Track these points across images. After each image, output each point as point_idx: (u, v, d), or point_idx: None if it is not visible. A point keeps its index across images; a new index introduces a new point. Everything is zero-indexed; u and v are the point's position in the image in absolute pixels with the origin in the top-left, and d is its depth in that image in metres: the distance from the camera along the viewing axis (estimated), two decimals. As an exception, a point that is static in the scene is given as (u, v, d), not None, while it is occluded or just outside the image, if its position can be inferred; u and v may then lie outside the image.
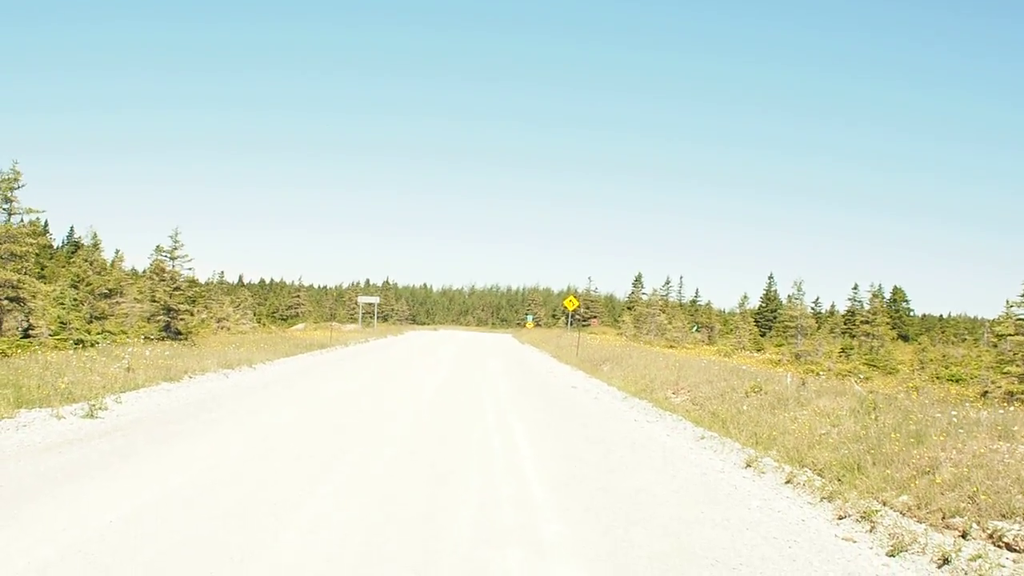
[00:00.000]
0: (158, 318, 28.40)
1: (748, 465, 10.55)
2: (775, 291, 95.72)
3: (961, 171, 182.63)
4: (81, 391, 13.03)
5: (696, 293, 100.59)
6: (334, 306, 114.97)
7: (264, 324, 57.55)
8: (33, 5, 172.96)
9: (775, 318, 75.62)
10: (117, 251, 49.25)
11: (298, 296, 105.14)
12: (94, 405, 11.85)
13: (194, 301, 33.85)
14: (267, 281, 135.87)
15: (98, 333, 24.47)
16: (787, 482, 9.53)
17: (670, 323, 55.15)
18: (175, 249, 28.90)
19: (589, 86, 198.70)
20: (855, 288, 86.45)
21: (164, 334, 28.08)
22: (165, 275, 28.65)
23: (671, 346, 45.10)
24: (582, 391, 21.16)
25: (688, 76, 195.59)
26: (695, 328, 68.98)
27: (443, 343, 51.03)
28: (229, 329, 40.83)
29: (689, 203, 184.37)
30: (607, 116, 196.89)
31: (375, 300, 63.93)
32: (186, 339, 28.38)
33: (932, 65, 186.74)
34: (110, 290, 30.84)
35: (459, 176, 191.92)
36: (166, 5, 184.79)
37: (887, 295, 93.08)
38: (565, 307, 55.09)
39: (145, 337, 27.68)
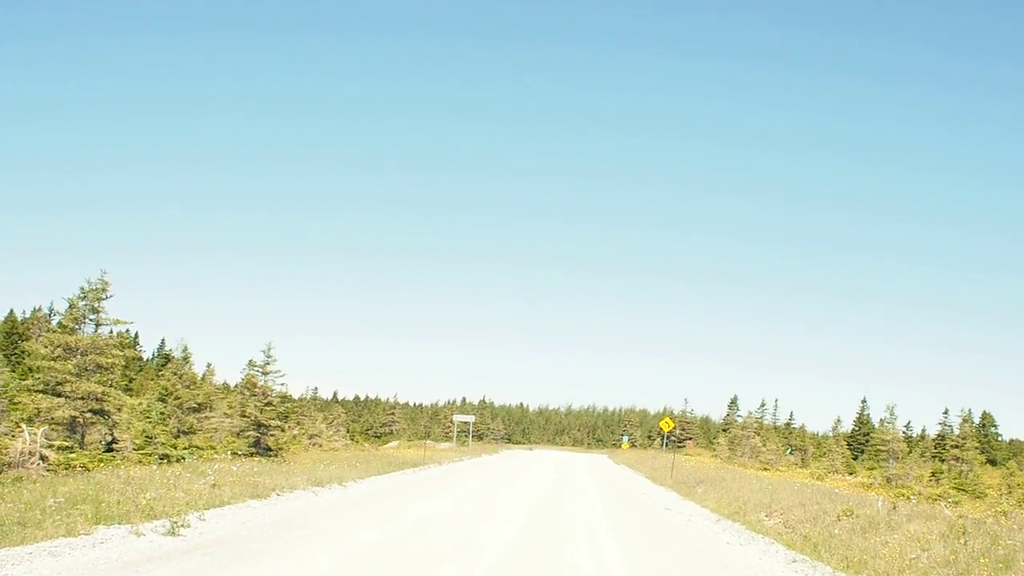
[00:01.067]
0: (248, 434, 29.16)
1: (838, 589, 10.65)
2: (868, 415, 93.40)
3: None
4: (163, 507, 12.97)
5: (791, 416, 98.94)
6: (429, 424, 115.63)
7: (357, 441, 58.43)
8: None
9: (867, 441, 73.91)
10: (208, 364, 51.28)
11: (392, 413, 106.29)
12: (176, 522, 11.72)
13: (286, 417, 34.60)
14: (361, 398, 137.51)
15: (184, 448, 24.94)
16: (876, 606, 9.63)
17: (764, 445, 54.26)
18: (267, 364, 29.77)
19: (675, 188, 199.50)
20: (946, 413, 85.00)
21: (254, 450, 28.74)
22: (257, 390, 29.44)
23: (765, 468, 44.40)
24: (675, 512, 21.14)
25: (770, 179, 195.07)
26: (789, 451, 67.60)
27: (538, 463, 51.04)
28: (321, 446, 41.74)
29: (787, 326, 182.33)
30: (699, 230, 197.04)
31: (470, 419, 64.58)
32: (276, 455, 29.02)
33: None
34: (199, 404, 31.78)
35: (557, 298, 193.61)
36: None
37: (976, 419, 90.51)
38: (660, 428, 54.71)
39: (234, 453, 28.32)
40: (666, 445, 63.17)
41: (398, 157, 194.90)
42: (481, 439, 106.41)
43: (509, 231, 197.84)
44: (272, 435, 30.04)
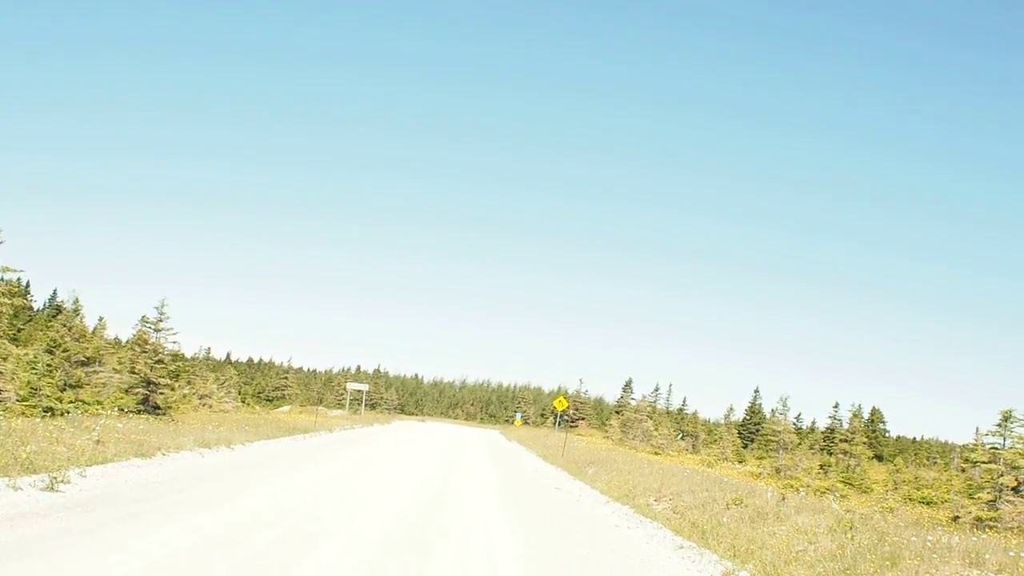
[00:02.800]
0: (136, 390, 28.18)
1: (723, 577, 10.65)
2: (760, 404, 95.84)
3: (941, 300, 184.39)
4: (44, 462, 12.51)
5: (684, 402, 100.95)
6: (322, 390, 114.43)
7: (248, 404, 57.27)
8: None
9: (758, 431, 75.74)
10: (100, 318, 49.28)
11: (286, 378, 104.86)
12: (55, 478, 11.32)
13: (176, 376, 33.64)
14: (255, 360, 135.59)
15: (71, 402, 24.14)
16: (761, 597, 9.63)
17: (656, 430, 55.10)
18: (160, 321, 28.78)
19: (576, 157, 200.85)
20: (836, 407, 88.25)
21: (142, 408, 27.88)
22: (148, 347, 28.48)
23: (656, 452, 45.10)
24: (565, 492, 21.14)
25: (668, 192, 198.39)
26: (680, 436, 68.84)
27: (430, 435, 50.75)
28: (211, 407, 40.62)
29: (682, 313, 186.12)
30: (602, 203, 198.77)
31: (364, 387, 63.89)
32: (165, 414, 28.16)
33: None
34: (88, 358, 30.64)
35: (455, 266, 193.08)
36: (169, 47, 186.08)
37: (866, 415, 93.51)
38: (554, 407, 55.06)
39: (121, 409, 27.50)
40: (559, 424, 63.64)
41: (292, 107, 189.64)
42: (374, 408, 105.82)
43: (413, 195, 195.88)
44: (161, 393, 29.06)
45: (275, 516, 11.46)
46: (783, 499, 15.61)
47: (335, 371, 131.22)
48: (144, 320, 29.56)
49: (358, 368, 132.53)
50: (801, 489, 21.45)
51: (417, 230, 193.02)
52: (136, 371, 28.50)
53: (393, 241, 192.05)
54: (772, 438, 41.08)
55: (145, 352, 28.89)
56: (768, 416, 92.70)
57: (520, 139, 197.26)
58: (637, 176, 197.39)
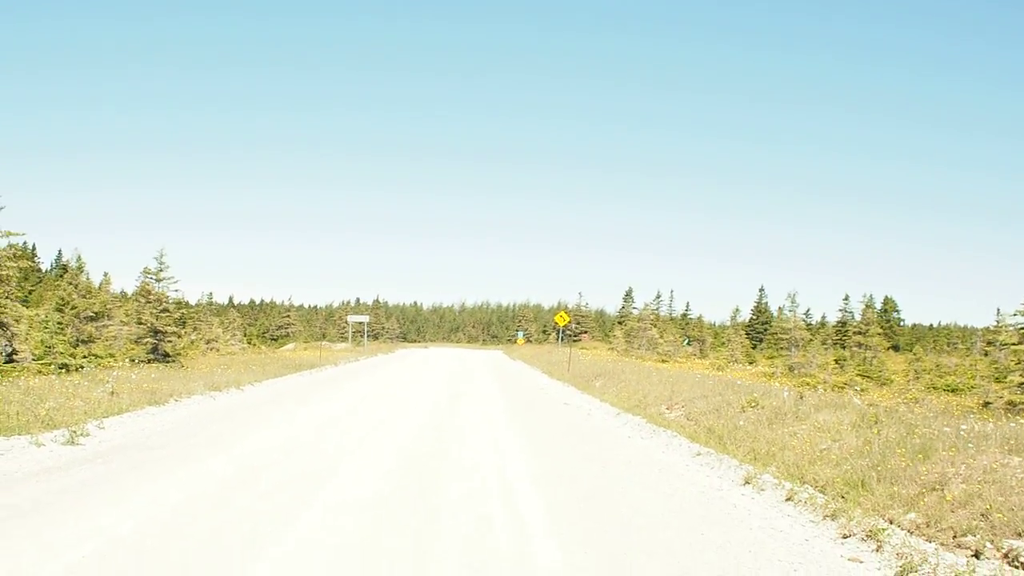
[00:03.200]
0: (145, 341, 28.01)
1: (747, 482, 10.24)
2: (766, 303, 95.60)
3: (951, 177, 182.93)
4: (63, 417, 12.60)
5: (687, 307, 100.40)
6: (324, 325, 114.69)
7: (254, 345, 57.16)
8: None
9: (766, 331, 75.52)
10: (105, 274, 48.99)
11: (288, 316, 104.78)
12: (75, 431, 11.46)
13: (182, 323, 33.48)
14: (257, 302, 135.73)
15: (83, 357, 24.11)
16: (788, 500, 9.21)
17: (661, 337, 54.90)
18: (161, 271, 28.51)
19: (568, 76, 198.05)
20: (846, 299, 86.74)
21: (152, 357, 27.70)
22: (151, 297, 28.26)
23: (663, 360, 44.89)
24: (574, 407, 20.84)
25: (676, 70, 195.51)
26: (687, 342, 68.71)
27: (434, 360, 50.60)
28: (218, 351, 40.43)
29: (679, 216, 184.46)
30: (596, 124, 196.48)
31: (365, 319, 63.54)
32: (174, 361, 28.01)
33: (929, 57, 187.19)
34: (96, 313, 30.40)
35: (448, 192, 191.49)
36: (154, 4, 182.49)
37: (878, 305, 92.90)
38: (556, 323, 54.81)
39: (132, 360, 27.30)
40: (561, 339, 63.50)
41: (282, 45, 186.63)
42: (376, 339, 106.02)
43: (400, 123, 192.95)
44: (169, 341, 28.92)
45: (286, 453, 11.43)
46: (801, 397, 15.22)
47: (336, 305, 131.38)
48: (146, 271, 29.17)
49: (358, 301, 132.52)
50: (818, 386, 21.11)
51: (408, 158, 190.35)
52: (143, 322, 28.43)
53: (384, 172, 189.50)
54: (783, 336, 40.79)
55: (149, 302, 28.68)
56: (775, 315, 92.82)
57: (510, 64, 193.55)
58: (629, 95, 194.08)
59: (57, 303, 29.88)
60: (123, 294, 50.10)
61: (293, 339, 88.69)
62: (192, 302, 64.18)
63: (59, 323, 26.90)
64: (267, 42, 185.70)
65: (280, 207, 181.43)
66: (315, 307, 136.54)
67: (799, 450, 11.16)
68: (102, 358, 26.10)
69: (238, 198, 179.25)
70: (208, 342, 42.29)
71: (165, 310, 28.07)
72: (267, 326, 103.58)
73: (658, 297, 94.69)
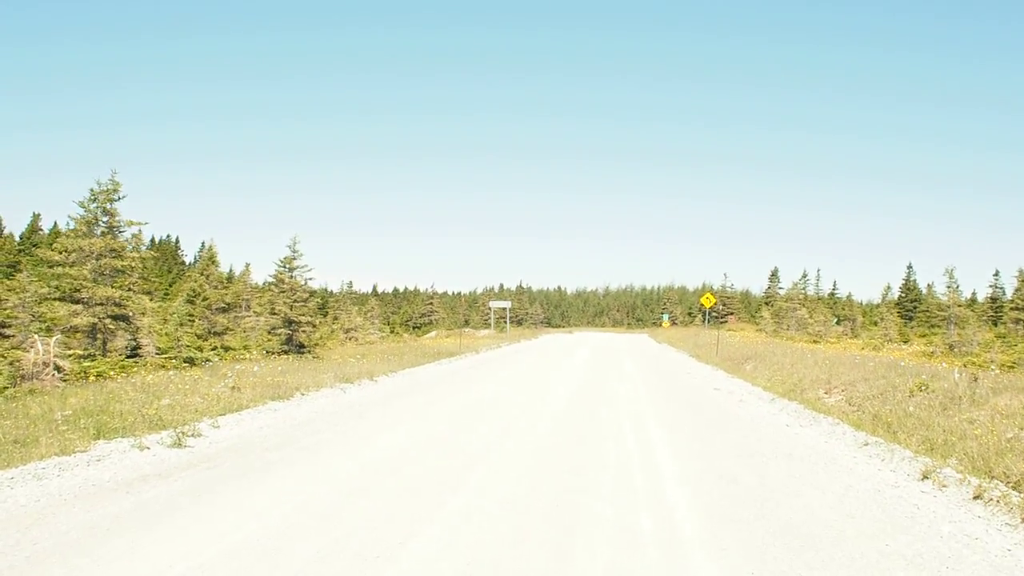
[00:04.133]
0: (279, 331, 28.30)
1: (925, 477, 9.27)
2: (915, 280, 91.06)
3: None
4: (174, 416, 12.06)
5: (834, 286, 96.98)
6: (467, 312, 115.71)
7: (396, 333, 58.00)
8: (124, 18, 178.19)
9: (916, 308, 72.11)
10: (246, 264, 50.53)
11: (431, 303, 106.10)
12: (183, 432, 10.86)
13: (323, 312, 33.84)
14: (400, 290, 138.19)
15: (212, 349, 24.34)
16: (976, 498, 8.21)
17: (811, 317, 52.74)
18: (294, 259, 28.65)
19: (713, 79, 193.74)
20: (996, 274, 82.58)
21: (286, 347, 28.10)
22: (284, 286, 28.54)
23: (815, 341, 43.01)
24: (725, 393, 19.98)
25: (817, 67, 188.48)
26: (836, 321, 66.00)
27: (577, 345, 50.06)
28: (357, 340, 41.03)
29: (822, 194, 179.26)
30: (736, 110, 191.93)
31: (507, 304, 63.49)
32: (309, 352, 28.33)
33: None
34: (228, 304, 30.97)
35: (590, 175, 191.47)
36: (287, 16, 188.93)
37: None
38: (702, 304, 53.60)
39: (267, 351, 27.80)
40: (708, 321, 62.14)
41: (422, 61, 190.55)
42: (520, 324, 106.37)
43: (539, 124, 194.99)
44: (303, 331, 29.14)
45: (415, 456, 10.57)
46: (975, 380, 14.00)
47: (479, 292, 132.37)
48: (282, 261, 29.59)
49: (501, 287, 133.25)
50: (987, 366, 19.60)
51: (549, 154, 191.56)
52: (276, 312, 28.61)
53: (526, 168, 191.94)
54: (939, 313, 38.37)
55: (283, 292, 28.97)
56: (925, 291, 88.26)
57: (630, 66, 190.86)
58: (765, 94, 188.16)
59: (188, 294, 30.51)
60: (262, 285, 51.50)
61: (436, 326, 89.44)
62: (333, 291, 65.21)
63: (189, 315, 27.35)
64: (400, 52, 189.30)
65: (423, 197, 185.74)
66: (459, 294, 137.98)
67: (982, 439, 10.11)
68: (235, 350, 26.54)
69: (381, 189, 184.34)
70: (347, 331, 42.89)
71: (299, 299, 28.44)
72: (410, 314, 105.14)
73: (804, 277, 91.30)
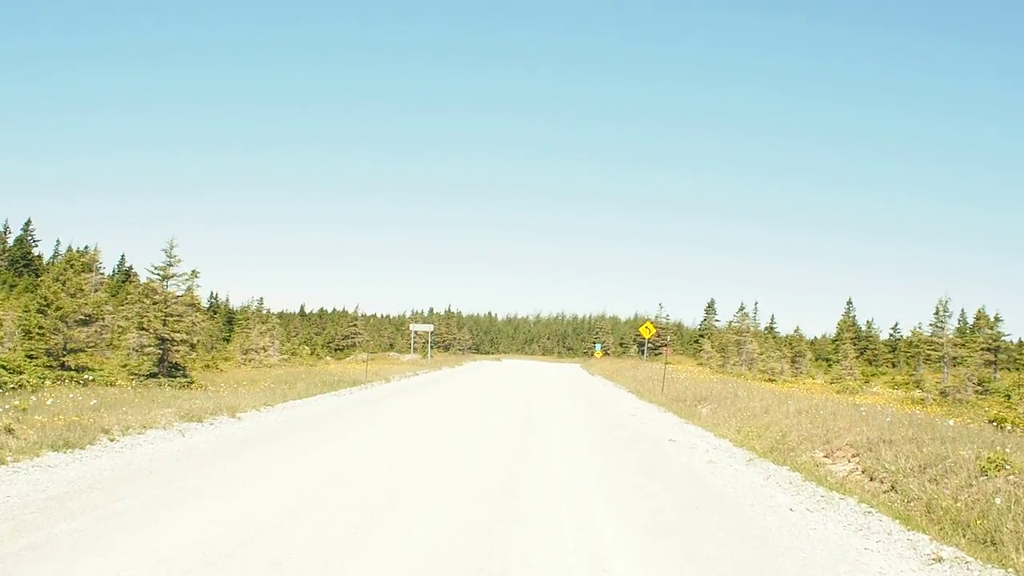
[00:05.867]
0: (149, 350, 23.23)
1: None
2: (853, 317, 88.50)
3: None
4: None
5: (772, 319, 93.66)
6: (393, 336, 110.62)
7: (316, 355, 52.90)
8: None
9: (857, 345, 69.93)
10: (128, 269, 44.78)
11: (355, 325, 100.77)
12: None
13: (229, 329, 28.65)
14: (328, 311, 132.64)
15: (52, 368, 19.38)
16: None
17: (762, 351, 48.59)
18: (169, 266, 23.47)
19: (648, 116, 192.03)
20: (940, 311, 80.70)
21: (157, 369, 22.94)
22: (157, 297, 23.33)
23: (770, 379, 38.61)
24: (686, 448, 15.32)
25: (751, 109, 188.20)
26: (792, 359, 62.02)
27: (504, 376, 45.06)
28: (256, 362, 35.82)
29: (757, 228, 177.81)
30: (671, 144, 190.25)
31: (429, 328, 58.37)
32: (183, 375, 23.19)
33: None
34: (88, 315, 25.62)
35: (523, 202, 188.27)
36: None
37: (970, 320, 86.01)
38: (639, 335, 49.56)
39: (132, 374, 22.76)
40: (644, 353, 57.86)
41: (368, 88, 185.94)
42: (447, 350, 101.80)
43: (473, 146, 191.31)
44: (178, 351, 23.89)
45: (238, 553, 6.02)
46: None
47: (407, 315, 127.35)
48: (155, 267, 24.16)
49: (431, 311, 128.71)
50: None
51: (481, 173, 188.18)
52: (146, 327, 23.43)
53: (458, 186, 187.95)
54: (931, 351, 33.97)
55: (155, 304, 23.68)
56: (864, 329, 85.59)
57: (586, 73, 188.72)
58: (704, 102, 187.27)
59: (39, 303, 25.13)
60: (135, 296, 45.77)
61: (360, 349, 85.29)
62: (236, 307, 60.11)
63: (40, 327, 22.11)
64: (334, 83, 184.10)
65: (356, 220, 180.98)
66: (387, 316, 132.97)
67: None
68: (94, 371, 21.50)
69: (311, 212, 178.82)
70: (246, 352, 37.77)
71: (173, 313, 23.15)
72: (333, 335, 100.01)
73: (742, 309, 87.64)
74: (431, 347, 68.06)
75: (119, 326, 31.78)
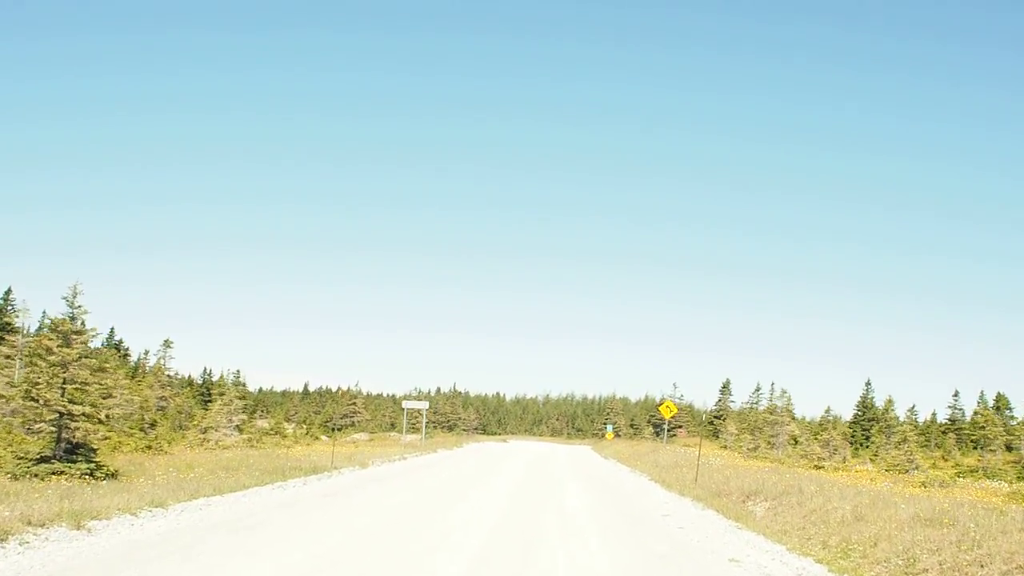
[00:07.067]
0: (39, 427, 18.07)
1: None
2: (872, 398, 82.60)
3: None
4: None
5: (788, 401, 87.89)
6: (394, 415, 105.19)
7: (311, 434, 47.68)
8: None
9: (871, 427, 66.85)
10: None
11: (353, 404, 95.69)
12: None
13: (206, 403, 23.33)
14: (333, 389, 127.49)
15: None
16: None
17: (801, 435, 42.75)
18: (72, 319, 18.38)
19: (648, 183, 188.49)
20: (956, 395, 79.07)
21: (52, 451, 17.68)
22: (53, 357, 18.17)
23: (816, 466, 32.75)
24: (755, 569, 10.09)
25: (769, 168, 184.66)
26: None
27: (507, 462, 38.45)
28: (211, 442, 30.52)
29: (766, 306, 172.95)
30: (678, 212, 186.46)
31: (423, 406, 52.54)
32: (84, 459, 17.85)
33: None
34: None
35: (530, 281, 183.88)
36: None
37: (990, 402, 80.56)
38: (656, 414, 44.24)
39: (18, 456, 17.67)
40: (664, 435, 52.30)
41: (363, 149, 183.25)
42: (451, 430, 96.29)
43: (480, 221, 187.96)
44: (80, 427, 18.49)
45: None
46: None
47: (413, 394, 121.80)
48: (51, 322, 18.96)
49: (438, 390, 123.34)
50: None
51: (490, 253, 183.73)
52: (35, 396, 18.14)
53: (467, 268, 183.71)
54: (977, 434, 28.63)
55: (53, 366, 18.48)
56: (882, 410, 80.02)
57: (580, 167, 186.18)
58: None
59: None
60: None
61: (360, 428, 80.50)
62: (199, 379, 55.20)
63: None
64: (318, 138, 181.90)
65: (356, 296, 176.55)
66: (392, 396, 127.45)
67: None
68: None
69: (313, 287, 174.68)
70: (204, 431, 32.53)
71: (74, 379, 17.97)
72: (331, 414, 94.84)
73: (758, 390, 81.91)
74: (425, 427, 62.61)
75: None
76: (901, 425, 56.88)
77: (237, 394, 43.27)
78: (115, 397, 37.00)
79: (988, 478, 25.81)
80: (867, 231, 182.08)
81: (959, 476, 28.72)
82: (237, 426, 34.99)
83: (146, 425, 38.09)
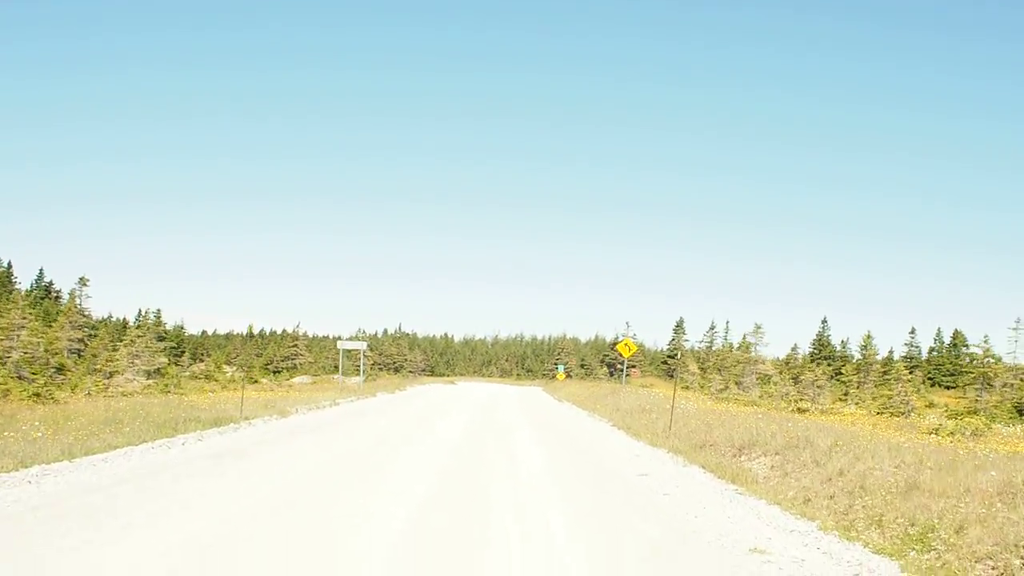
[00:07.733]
0: None
1: None
2: (828, 336, 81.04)
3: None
4: None
5: (743, 339, 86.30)
6: (339, 358, 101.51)
7: (249, 377, 43.95)
8: None
9: (832, 365, 63.64)
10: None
11: (295, 346, 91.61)
12: None
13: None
14: (278, 332, 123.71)
15: None
16: None
17: (779, 376, 39.51)
18: None
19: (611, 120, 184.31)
20: (912, 332, 79.56)
21: None
22: None
23: (800, 410, 29.53)
24: (788, 563, 6.86)
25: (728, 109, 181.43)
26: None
27: (453, 405, 35.71)
28: (110, 389, 26.66)
29: (719, 243, 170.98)
30: (636, 151, 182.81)
31: (361, 346, 48.96)
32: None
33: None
34: None
35: (480, 218, 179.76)
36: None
37: (946, 339, 79.78)
38: (611, 353, 41.49)
39: None
40: (624, 375, 49.36)
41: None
42: (398, 372, 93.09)
43: (428, 165, 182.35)
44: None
45: None
46: None
47: (358, 336, 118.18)
48: None
49: (384, 331, 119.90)
50: None
51: (442, 192, 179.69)
52: None
53: (418, 207, 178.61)
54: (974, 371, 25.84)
55: None
56: (838, 349, 78.63)
57: (536, 104, 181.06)
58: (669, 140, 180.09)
59: None
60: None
61: (303, 371, 77.50)
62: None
63: None
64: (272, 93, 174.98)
65: (306, 237, 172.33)
66: (338, 337, 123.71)
67: None
68: None
69: (262, 228, 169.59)
70: (110, 376, 28.79)
71: None
72: (271, 357, 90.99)
73: (712, 328, 79.57)
74: (368, 369, 59.25)
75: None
76: (888, 364, 54.35)
77: (156, 334, 39.20)
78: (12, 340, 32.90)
79: (992, 421, 23.00)
80: (816, 170, 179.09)
81: (951, 419, 25.92)
82: (151, 370, 31.10)
83: (52, 370, 34.30)
